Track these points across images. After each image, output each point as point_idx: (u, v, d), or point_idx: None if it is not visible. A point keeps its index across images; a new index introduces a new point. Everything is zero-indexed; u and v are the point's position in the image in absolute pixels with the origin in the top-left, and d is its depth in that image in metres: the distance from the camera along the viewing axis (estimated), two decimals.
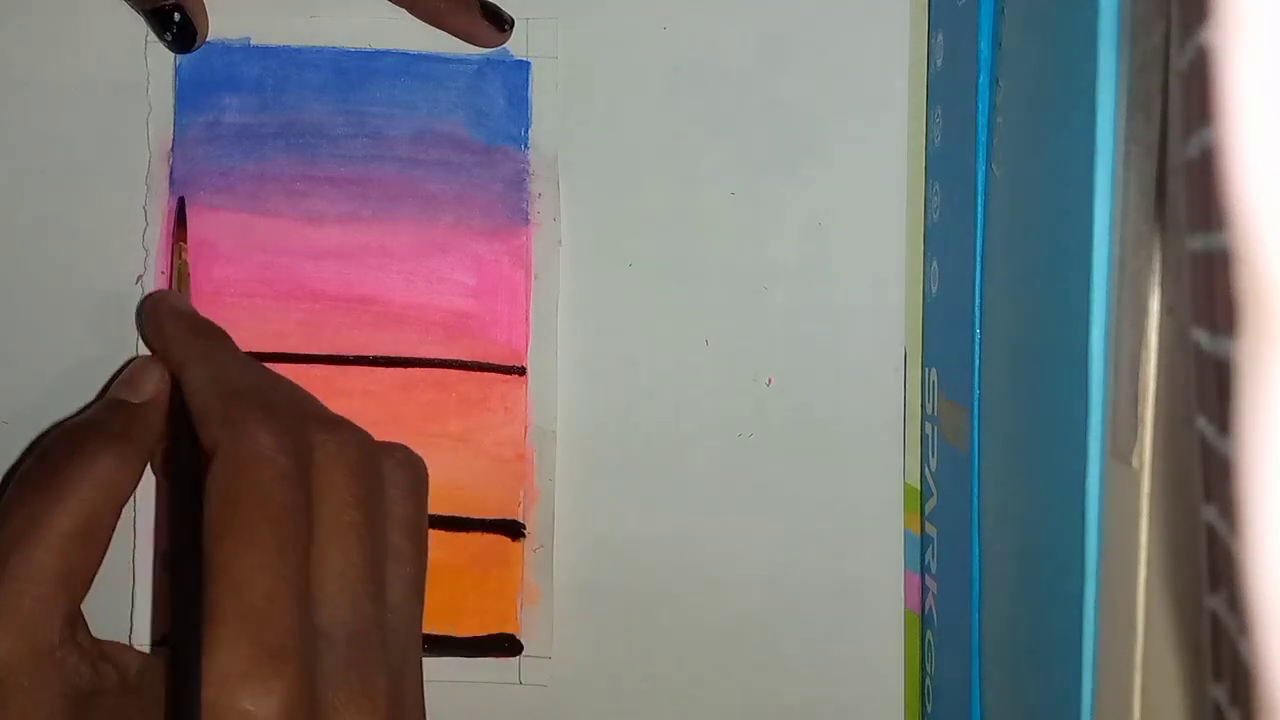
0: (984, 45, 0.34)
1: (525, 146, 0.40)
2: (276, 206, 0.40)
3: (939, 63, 0.39)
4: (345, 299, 0.40)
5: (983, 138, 0.34)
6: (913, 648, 0.41)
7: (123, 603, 0.40)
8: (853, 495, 0.41)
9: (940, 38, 0.39)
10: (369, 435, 0.35)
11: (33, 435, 0.41)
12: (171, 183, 0.40)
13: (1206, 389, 0.19)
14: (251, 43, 0.40)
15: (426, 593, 0.36)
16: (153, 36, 0.40)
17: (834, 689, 0.41)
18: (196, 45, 0.39)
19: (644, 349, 0.41)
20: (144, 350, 0.40)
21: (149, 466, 0.37)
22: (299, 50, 0.40)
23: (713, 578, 0.41)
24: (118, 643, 0.35)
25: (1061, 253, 0.28)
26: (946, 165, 0.38)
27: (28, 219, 0.41)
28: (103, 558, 0.34)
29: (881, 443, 0.41)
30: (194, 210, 0.40)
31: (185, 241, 0.40)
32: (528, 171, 0.40)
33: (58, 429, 0.36)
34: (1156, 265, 0.24)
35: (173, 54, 0.40)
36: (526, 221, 0.40)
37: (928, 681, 0.40)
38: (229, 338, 0.38)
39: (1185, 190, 0.20)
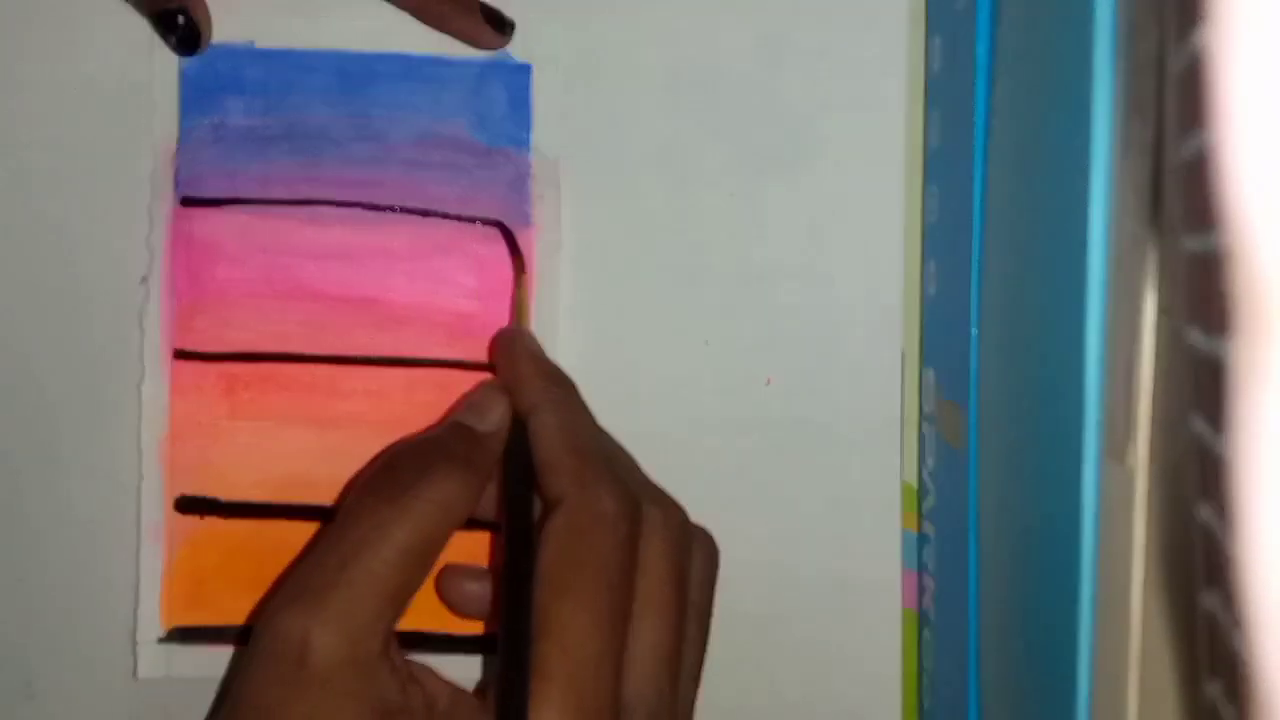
0: (981, 48, 0.34)
1: (527, 149, 0.40)
2: (280, 208, 0.40)
3: (936, 66, 0.39)
4: (348, 300, 0.40)
5: (980, 140, 0.35)
6: (910, 645, 0.41)
7: (127, 600, 0.40)
8: (851, 494, 0.41)
9: (938, 41, 0.39)
10: (685, 513, 0.36)
11: (33, 435, 0.41)
12: (176, 184, 0.40)
13: (1202, 389, 0.19)
14: (255, 46, 0.40)
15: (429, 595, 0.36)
16: (158, 39, 0.40)
17: (832, 687, 0.41)
18: (201, 48, 0.39)
19: (644, 349, 0.41)
20: (148, 350, 0.40)
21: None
22: (302, 53, 0.40)
23: None
24: (428, 669, 0.35)
25: (1058, 254, 0.28)
26: (944, 167, 0.38)
27: (33, 220, 0.41)
28: (427, 576, 0.34)
29: (880, 442, 0.41)
30: (198, 211, 0.40)
31: (525, 272, 0.40)
32: (529, 173, 0.40)
33: (403, 443, 0.37)
34: (1152, 266, 0.24)
35: (177, 56, 0.40)
36: (528, 223, 0.40)
37: (925, 679, 0.40)
38: (578, 390, 0.38)
39: (1181, 191, 0.20)
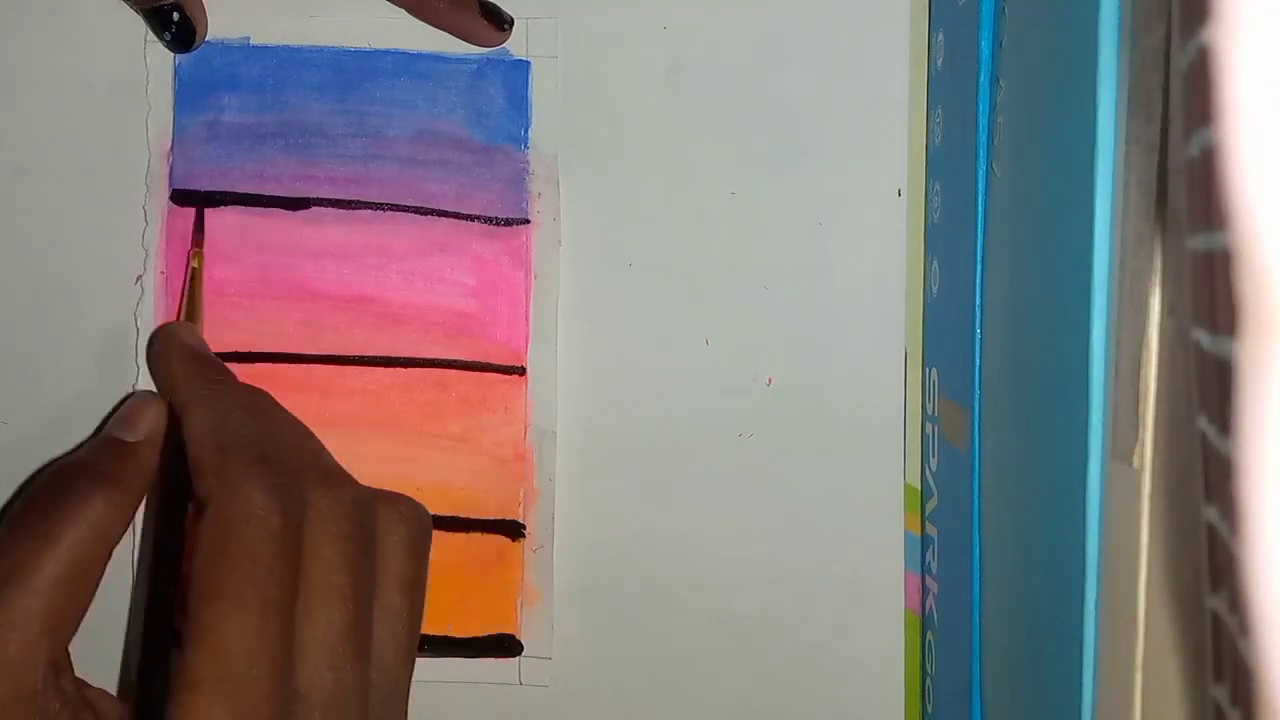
0: (984, 45, 0.34)
1: (525, 146, 0.40)
2: (276, 207, 0.40)
3: (939, 62, 0.39)
4: (345, 299, 0.40)
5: (983, 137, 0.34)
6: (913, 648, 0.41)
7: (121, 603, 0.40)
8: (853, 495, 0.41)
9: (940, 37, 0.39)
10: (368, 490, 0.35)
11: (32, 434, 0.41)
12: (171, 182, 0.40)
13: (1207, 389, 0.19)
14: (251, 42, 0.40)
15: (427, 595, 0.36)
16: (152, 36, 0.40)
17: (834, 689, 0.41)
18: (195, 45, 0.39)
19: (644, 349, 0.41)
20: (143, 351, 0.40)
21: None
22: (298, 50, 0.40)
23: (712, 578, 0.41)
24: (103, 690, 0.35)
25: (1062, 252, 0.28)
26: (947, 165, 0.38)
27: (27, 218, 0.41)
28: (90, 600, 0.34)
29: (882, 443, 0.41)
30: (193, 210, 0.40)
31: (201, 248, 0.40)
32: (527, 171, 0.40)
33: (49, 468, 0.36)
34: (1157, 265, 0.24)
35: (172, 53, 0.40)
36: (526, 221, 0.40)
37: (928, 682, 0.40)
38: (234, 380, 0.37)
39: (1186, 190, 0.20)
